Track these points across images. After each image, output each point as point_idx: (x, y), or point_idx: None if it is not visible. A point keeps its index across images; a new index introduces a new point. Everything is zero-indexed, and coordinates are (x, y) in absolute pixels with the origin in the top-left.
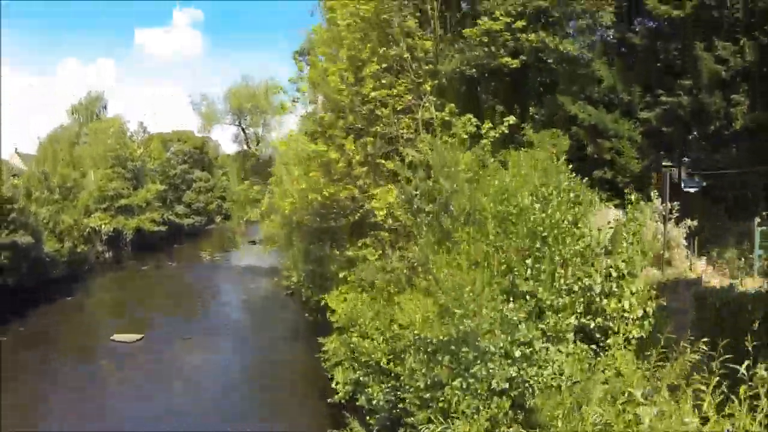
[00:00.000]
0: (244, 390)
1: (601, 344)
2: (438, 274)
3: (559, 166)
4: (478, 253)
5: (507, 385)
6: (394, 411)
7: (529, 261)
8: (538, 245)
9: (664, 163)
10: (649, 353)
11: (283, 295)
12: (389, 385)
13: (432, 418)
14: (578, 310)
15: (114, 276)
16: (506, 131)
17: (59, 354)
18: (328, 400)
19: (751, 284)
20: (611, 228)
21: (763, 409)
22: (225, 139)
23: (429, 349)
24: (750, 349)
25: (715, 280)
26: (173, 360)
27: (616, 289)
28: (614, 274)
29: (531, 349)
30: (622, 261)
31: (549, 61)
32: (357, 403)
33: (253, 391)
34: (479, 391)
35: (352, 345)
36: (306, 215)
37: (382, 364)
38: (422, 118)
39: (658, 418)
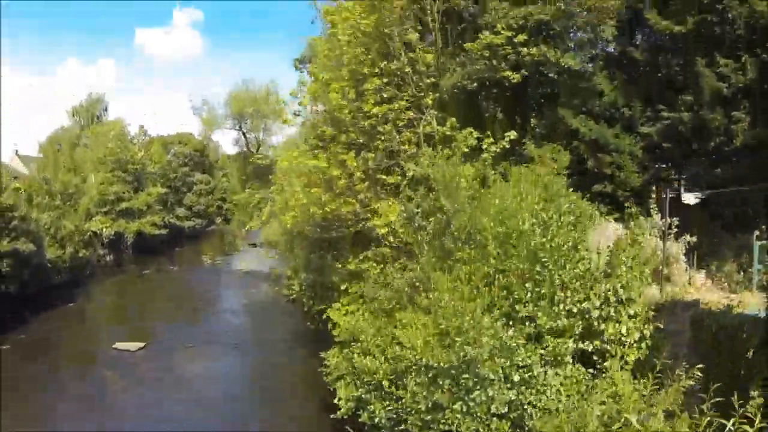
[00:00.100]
0: (247, 401)
1: (599, 367)
2: (440, 295)
3: (559, 189)
4: (479, 279)
5: (506, 409)
6: (397, 429)
7: (529, 285)
8: (538, 268)
9: (664, 177)
10: (646, 377)
11: (284, 301)
12: (391, 404)
13: None
14: (576, 333)
15: (115, 280)
16: (507, 146)
17: (62, 363)
18: (331, 416)
19: (749, 299)
20: (611, 251)
21: None
22: (225, 140)
23: (430, 374)
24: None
25: (713, 295)
26: (176, 369)
27: (613, 314)
28: (612, 299)
29: (530, 373)
30: (621, 286)
31: (550, 75)
32: (360, 419)
33: (256, 403)
34: (479, 414)
35: (353, 361)
36: (307, 226)
37: (383, 383)
38: (423, 132)
39: None
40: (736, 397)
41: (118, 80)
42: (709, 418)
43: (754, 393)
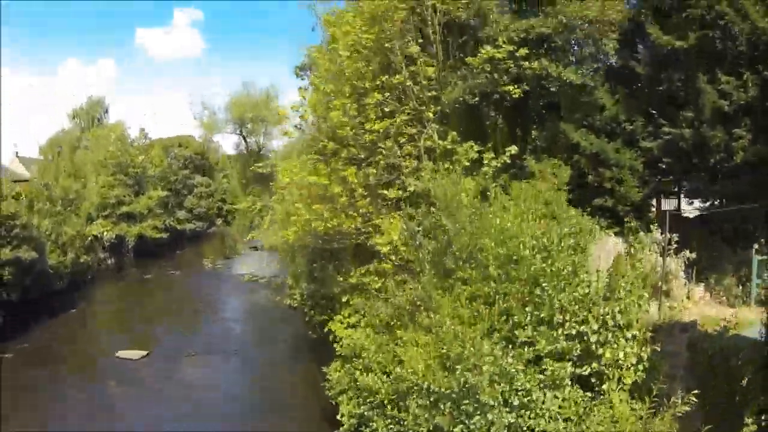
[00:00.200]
0: (250, 413)
1: (597, 389)
2: (441, 319)
3: (560, 205)
4: (480, 303)
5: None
6: None
7: (528, 308)
8: (537, 292)
9: (664, 190)
10: (643, 399)
11: (285, 307)
12: (393, 425)
13: None
14: (575, 355)
15: (117, 285)
16: (508, 160)
17: (65, 372)
18: None
19: (747, 314)
20: (610, 274)
21: None
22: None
23: (432, 398)
24: (740, 399)
25: (712, 309)
26: (179, 379)
27: (611, 338)
28: (610, 323)
29: (529, 397)
30: (619, 311)
31: (552, 89)
32: None
33: (260, 415)
34: None
35: (356, 377)
36: (308, 237)
37: (385, 402)
38: (424, 146)
39: None
40: (730, 423)
41: (118, 80)
42: None
43: (748, 420)
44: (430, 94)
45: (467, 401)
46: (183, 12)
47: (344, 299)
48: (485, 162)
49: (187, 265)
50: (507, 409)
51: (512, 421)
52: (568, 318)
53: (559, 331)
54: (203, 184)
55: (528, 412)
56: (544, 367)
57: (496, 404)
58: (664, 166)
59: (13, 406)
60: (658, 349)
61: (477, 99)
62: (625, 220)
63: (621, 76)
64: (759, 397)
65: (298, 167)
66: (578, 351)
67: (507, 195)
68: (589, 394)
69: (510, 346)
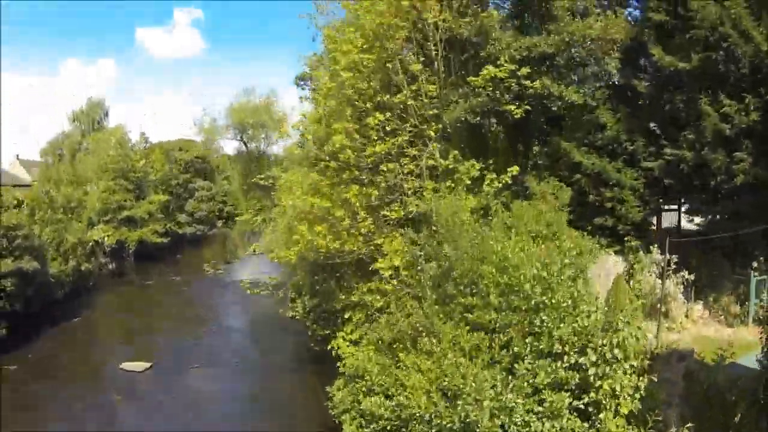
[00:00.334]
0: (253, 428)
1: (593, 418)
2: (443, 349)
3: (561, 236)
4: (480, 337)
5: None
6: None
7: (528, 339)
8: (537, 322)
9: (664, 208)
10: (639, 427)
11: (287, 315)
12: None
13: None
14: (573, 384)
15: (118, 292)
16: (509, 180)
17: (69, 384)
18: None
19: (745, 334)
20: (609, 305)
21: None
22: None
23: (433, 430)
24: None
25: (710, 329)
26: (183, 392)
27: (609, 371)
28: (609, 356)
29: (528, 429)
30: (617, 344)
31: (553, 108)
32: None
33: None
34: None
35: (359, 399)
36: (311, 254)
37: (388, 429)
38: (426, 165)
39: None
40: None
41: (118, 80)
42: None
43: None
44: (431, 111)
45: None
46: (183, 11)
47: (347, 315)
48: (486, 183)
49: (188, 270)
50: None
51: None
52: (567, 349)
53: (558, 363)
54: (204, 188)
55: None
56: (543, 397)
57: None
58: (664, 187)
59: (17, 419)
60: (655, 379)
61: (478, 118)
62: (626, 239)
63: (623, 95)
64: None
65: (299, 181)
66: (577, 380)
67: (508, 212)
68: (586, 424)
69: (510, 377)
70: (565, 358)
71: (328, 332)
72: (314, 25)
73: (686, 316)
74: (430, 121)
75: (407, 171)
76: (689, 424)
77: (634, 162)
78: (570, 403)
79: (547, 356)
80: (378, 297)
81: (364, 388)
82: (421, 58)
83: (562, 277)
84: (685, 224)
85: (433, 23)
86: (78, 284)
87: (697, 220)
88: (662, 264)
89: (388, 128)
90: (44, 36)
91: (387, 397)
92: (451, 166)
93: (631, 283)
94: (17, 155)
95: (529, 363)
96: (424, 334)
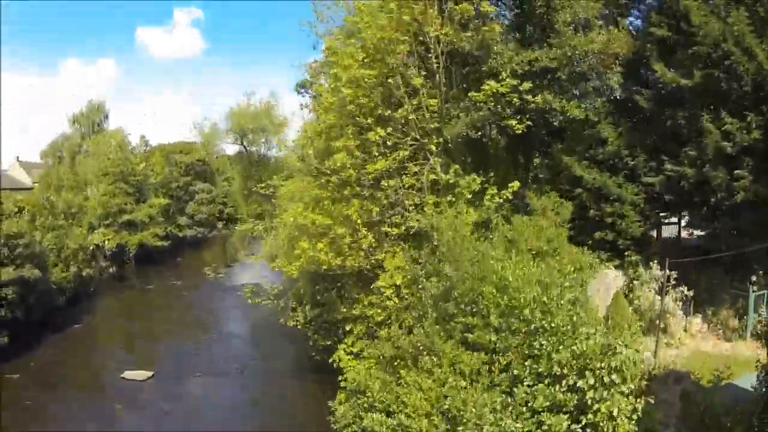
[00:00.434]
0: None
1: None
2: (445, 372)
3: (562, 270)
4: (480, 355)
5: None
6: None
7: (528, 362)
8: (537, 345)
9: (664, 221)
10: None
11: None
12: None
13: None
14: (571, 406)
15: (119, 297)
16: (510, 196)
17: (72, 394)
18: None
19: (743, 349)
20: (608, 328)
21: None
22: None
23: None
24: None
25: (708, 343)
26: (186, 401)
27: (606, 396)
28: (606, 380)
29: None
30: (616, 370)
31: (555, 123)
32: None
33: None
34: None
35: (361, 416)
36: (312, 266)
37: None
38: (427, 179)
39: None
40: None
41: (118, 80)
42: None
43: None
44: (432, 125)
45: None
46: (183, 11)
47: (348, 327)
48: (487, 198)
49: (189, 274)
50: None
51: None
52: (566, 372)
53: (557, 387)
54: (205, 191)
55: None
56: (541, 419)
57: None
58: (665, 202)
59: (20, 428)
60: (652, 401)
61: (480, 134)
62: (626, 253)
63: (624, 110)
64: None
65: (300, 190)
66: (575, 402)
67: (509, 224)
68: None
69: (510, 398)
70: (564, 381)
71: (329, 343)
72: (314, 33)
73: (685, 330)
74: (431, 135)
75: (408, 185)
76: None
77: (634, 177)
78: (568, 426)
79: (546, 378)
80: (379, 311)
81: (365, 404)
82: (423, 72)
83: (561, 301)
84: (685, 233)
85: (435, 37)
86: (79, 290)
87: (697, 232)
88: (661, 280)
89: (389, 143)
90: (44, 36)
91: (388, 414)
92: (452, 181)
93: (631, 296)
94: (17, 157)
95: (528, 386)
96: (425, 352)
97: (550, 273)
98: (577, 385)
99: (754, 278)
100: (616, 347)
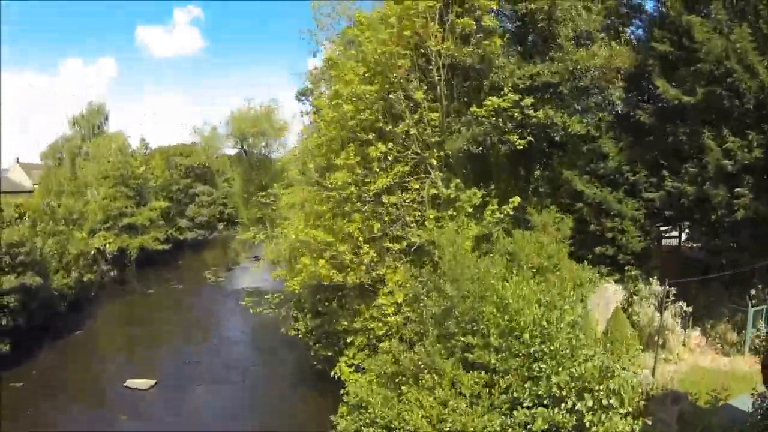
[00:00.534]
0: None
1: None
2: (445, 396)
3: (562, 293)
4: (480, 374)
5: None
6: None
7: (527, 384)
8: (536, 368)
9: (664, 235)
10: None
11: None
12: None
13: None
14: (570, 427)
15: (120, 302)
16: (511, 212)
17: (76, 403)
18: None
19: (741, 364)
20: (607, 351)
21: None
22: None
23: None
24: None
25: (706, 358)
26: (188, 411)
27: (605, 418)
28: (604, 402)
29: None
30: (614, 393)
31: (556, 138)
32: None
33: None
34: None
35: (362, 430)
36: (314, 281)
37: None
38: (428, 194)
39: None
40: None
41: (118, 79)
42: None
43: None
44: (434, 139)
45: None
46: (183, 10)
47: (349, 339)
48: (488, 213)
49: (190, 277)
50: None
51: None
52: (565, 394)
53: (555, 410)
54: (205, 193)
55: None
56: None
57: None
58: (665, 217)
59: None
60: (650, 422)
61: (481, 149)
62: (626, 268)
63: (626, 125)
64: None
65: (301, 199)
66: (573, 422)
67: (509, 237)
68: None
69: (509, 420)
70: (562, 405)
71: (330, 354)
72: (315, 41)
73: (683, 344)
74: (432, 149)
75: (410, 199)
76: None
77: (635, 192)
78: None
79: (546, 399)
80: (380, 325)
81: (367, 420)
82: (424, 86)
83: (561, 324)
84: (685, 242)
85: (436, 50)
86: (80, 295)
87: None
88: (661, 296)
89: (390, 157)
90: (44, 36)
91: (389, 431)
92: (452, 195)
93: (630, 311)
94: (17, 158)
95: (527, 407)
96: (425, 370)
97: (549, 291)
98: (576, 407)
99: (753, 292)
100: (614, 370)
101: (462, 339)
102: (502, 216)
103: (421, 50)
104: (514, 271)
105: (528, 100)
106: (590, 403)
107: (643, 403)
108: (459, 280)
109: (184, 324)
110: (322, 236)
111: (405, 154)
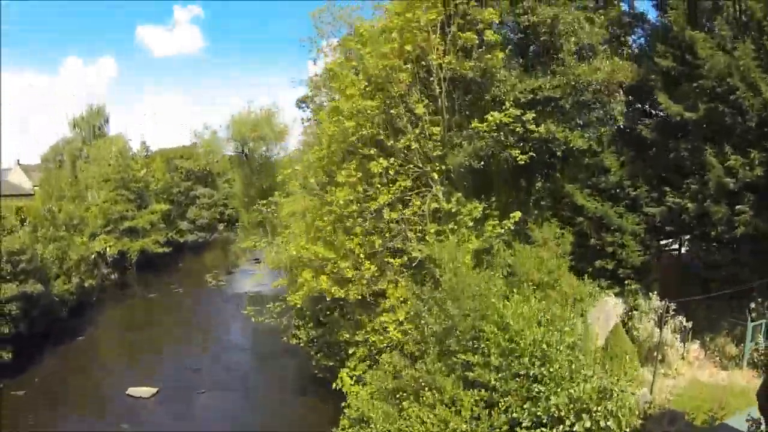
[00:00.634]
0: None
1: None
2: (445, 414)
3: (564, 316)
4: (481, 393)
5: None
6: None
7: (527, 405)
8: (535, 389)
9: (664, 249)
10: None
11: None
12: None
13: None
14: None
15: (121, 307)
16: (512, 227)
17: (78, 411)
18: None
19: (739, 378)
20: (605, 373)
21: None
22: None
23: None
24: None
25: (704, 372)
26: (191, 419)
27: None
28: (602, 424)
29: None
30: (612, 414)
31: (558, 153)
32: None
33: None
34: None
35: None
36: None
37: None
38: (429, 209)
39: None
40: None
41: (118, 79)
42: None
43: None
44: (435, 153)
45: None
46: (183, 9)
47: (350, 350)
48: (489, 227)
49: (190, 281)
50: None
51: None
52: (563, 415)
53: (554, 431)
54: (206, 195)
55: None
56: None
57: None
58: (665, 232)
59: None
60: None
61: (482, 164)
62: (626, 282)
63: (628, 140)
64: None
65: (302, 211)
66: None
67: (510, 250)
68: None
69: None
70: (560, 428)
71: (331, 364)
72: (315, 49)
73: (682, 358)
74: (433, 162)
75: (412, 212)
76: None
77: (636, 206)
78: None
79: (545, 420)
80: (381, 338)
81: None
82: (425, 100)
83: (561, 347)
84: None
85: (437, 64)
86: (81, 300)
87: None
88: (660, 311)
89: (391, 171)
90: (44, 36)
91: None
92: (453, 210)
93: (630, 325)
94: (18, 160)
95: (526, 428)
96: (426, 388)
97: (549, 309)
98: (574, 428)
99: (752, 305)
100: (612, 390)
101: (463, 357)
102: (502, 231)
103: (423, 63)
104: (515, 290)
105: (530, 115)
106: (588, 424)
107: (640, 422)
108: (460, 298)
109: (185, 329)
110: (323, 252)
111: (406, 168)
